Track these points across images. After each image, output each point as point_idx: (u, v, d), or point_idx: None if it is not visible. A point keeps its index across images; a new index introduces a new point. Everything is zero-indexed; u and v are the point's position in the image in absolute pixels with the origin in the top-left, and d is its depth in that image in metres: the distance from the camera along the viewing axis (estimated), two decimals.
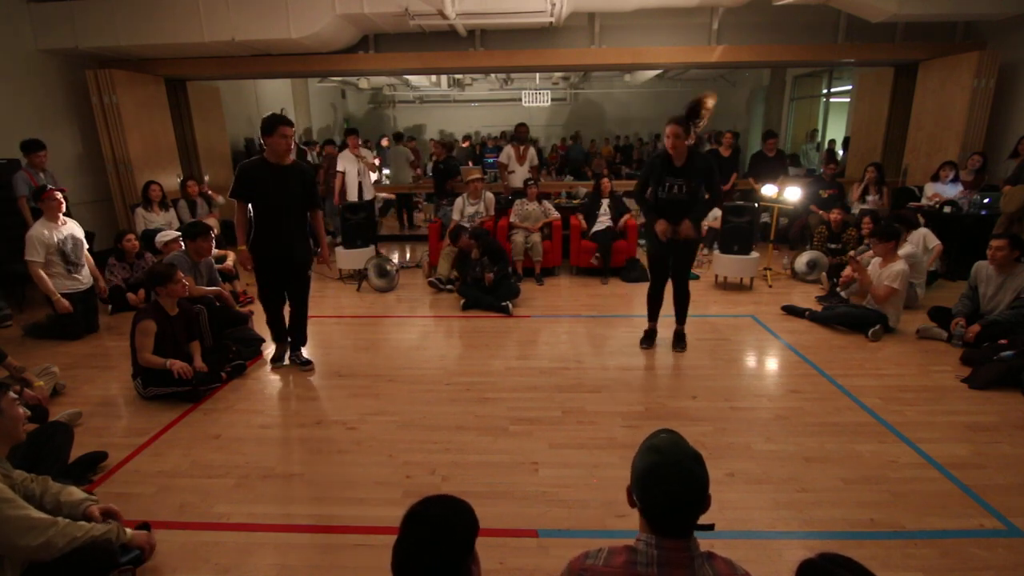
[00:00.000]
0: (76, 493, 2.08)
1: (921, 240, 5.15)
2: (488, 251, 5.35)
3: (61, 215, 4.46)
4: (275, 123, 3.44)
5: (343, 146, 7.23)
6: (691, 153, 3.58)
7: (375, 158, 7.18)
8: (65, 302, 4.36)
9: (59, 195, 4.42)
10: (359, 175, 6.77)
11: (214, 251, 4.49)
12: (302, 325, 3.99)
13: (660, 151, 3.79)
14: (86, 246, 4.70)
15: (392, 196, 9.03)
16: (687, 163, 3.59)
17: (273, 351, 4.04)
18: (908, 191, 6.73)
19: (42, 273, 4.32)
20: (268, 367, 3.96)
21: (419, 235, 8.55)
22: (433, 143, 8.86)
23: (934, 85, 6.73)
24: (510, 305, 5.04)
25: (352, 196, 6.81)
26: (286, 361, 3.98)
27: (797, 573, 1.08)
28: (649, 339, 4.20)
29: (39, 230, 4.35)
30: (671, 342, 4.19)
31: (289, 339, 4.00)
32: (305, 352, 4.01)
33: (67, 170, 6.30)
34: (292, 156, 3.62)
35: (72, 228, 4.55)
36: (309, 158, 7.53)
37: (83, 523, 1.92)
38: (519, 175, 7.05)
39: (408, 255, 7.52)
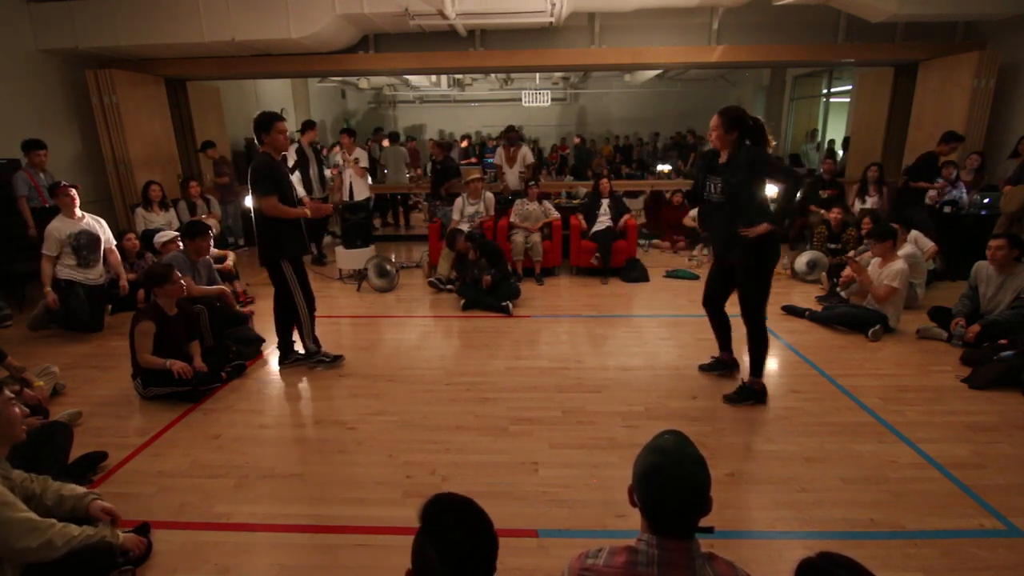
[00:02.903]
0: (78, 488, 2.11)
1: (914, 241, 5.14)
2: (485, 253, 5.35)
3: (77, 210, 4.55)
4: (272, 120, 3.54)
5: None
6: (739, 147, 2.98)
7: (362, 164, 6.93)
8: (53, 296, 4.40)
9: (72, 191, 4.53)
10: (349, 176, 6.73)
11: (213, 250, 4.49)
12: None
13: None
14: (112, 243, 4.76)
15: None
16: (730, 159, 3.02)
17: (282, 353, 3.90)
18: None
19: (47, 267, 4.42)
20: (268, 367, 3.96)
21: (419, 235, 8.55)
22: (432, 143, 8.85)
23: (934, 85, 6.73)
24: (510, 305, 5.04)
25: (344, 195, 6.79)
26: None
27: (796, 573, 1.08)
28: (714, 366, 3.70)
29: (54, 224, 4.46)
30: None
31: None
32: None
33: (67, 170, 6.29)
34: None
35: (89, 224, 4.61)
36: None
37: (76, 526, 1.93)
38: (510, 176, 7.13)
39: (406, 255, 7.52)
